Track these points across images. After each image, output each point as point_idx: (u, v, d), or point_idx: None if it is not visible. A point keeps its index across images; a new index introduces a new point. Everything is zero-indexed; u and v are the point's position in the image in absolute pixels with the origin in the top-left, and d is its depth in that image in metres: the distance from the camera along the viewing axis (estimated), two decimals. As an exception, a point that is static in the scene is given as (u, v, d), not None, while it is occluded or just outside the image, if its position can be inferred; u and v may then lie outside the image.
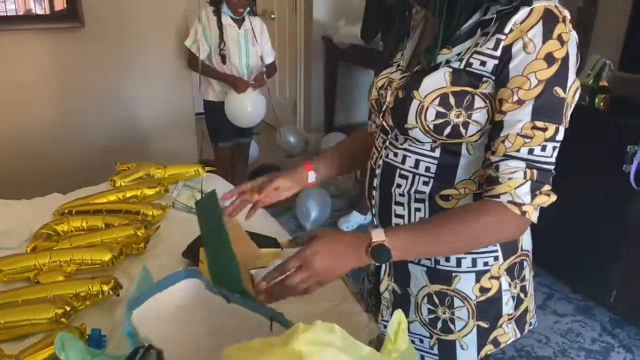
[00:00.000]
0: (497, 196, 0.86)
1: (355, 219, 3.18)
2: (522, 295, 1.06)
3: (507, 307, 1.04)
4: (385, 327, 1.12)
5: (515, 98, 0.83)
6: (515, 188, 0.84)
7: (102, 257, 1.42)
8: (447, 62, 0.90)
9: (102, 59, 2.67)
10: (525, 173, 0.84)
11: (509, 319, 1.05)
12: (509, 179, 0.85)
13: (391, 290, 1.10)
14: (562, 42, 0.82)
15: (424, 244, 0.88)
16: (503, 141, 0.85)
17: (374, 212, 1.08)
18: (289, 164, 3.96)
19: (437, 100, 0.88)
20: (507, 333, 1.05)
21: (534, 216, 0.86)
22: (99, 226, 1.59)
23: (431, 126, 0.90)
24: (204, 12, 2.75)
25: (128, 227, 1.53)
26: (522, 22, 0.83)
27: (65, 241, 1.49)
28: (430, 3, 0.91)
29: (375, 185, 1.05)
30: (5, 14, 2.42)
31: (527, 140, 0.84)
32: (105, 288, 1.28)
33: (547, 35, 0.81)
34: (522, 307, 1.07)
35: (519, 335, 1.08)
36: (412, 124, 0.92)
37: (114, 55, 2.69)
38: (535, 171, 0.84)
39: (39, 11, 2.52)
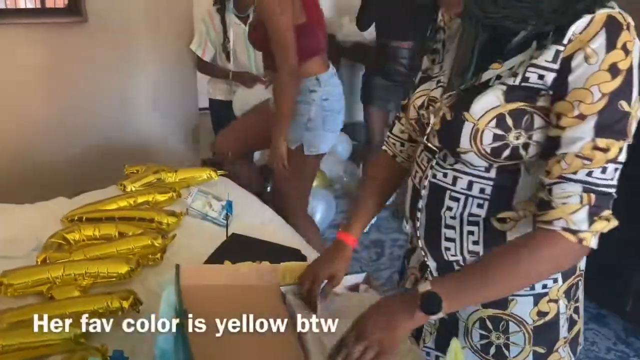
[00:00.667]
0: (551, 222, 0.79)
1: None
2: (575, 316, 1.01)
3: (563, 330, 0.99)
4: (428, 354, 1.06)
5: (577, 112, 0.76)
6: (570, 214, 0.77)
7: (119, 269, 1.34)
8: (498, 77, 0.82)
9: (104, 55, 2.55)
10: (581, 198, 0.77)
11: (564, 343, 0.99)
12: (563, 203, 0.78)
13: None
14: (627, 52, 0.76)
15: (474, 289, 0.83)
16: (559, 161, 0.78)
17: (418, 235, 1.01)
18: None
19: (494, 122, 0.82)
20: (563, 357, 1.00)
21: (592, 242, 0.79)
22: (113, 235, 1.51)
23: (488, 150, 0.84)
24: (207, 12, 2.69)
25: (144, 237, 1.45)
26: (582, 32, 0.76)
27: (78, 252, 1.40)
28: (466, 17, 0.83)
29: (420, 207, 0.97)
30: (5, 7, 2.30)
31: (586, 162, 0.76)
32: (125, 304, 1.21)
33: (611, 45, 0.75)
34: (576, 329, 1.02)
35: (573, 359, 1.02)
36: (466, 148, 0.85)
37: (117, 52, 2.58)
38: (593, 195, 0.77)
39: (38, 4, 2.41)
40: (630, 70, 0.76)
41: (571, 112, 0.77)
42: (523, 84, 0.80)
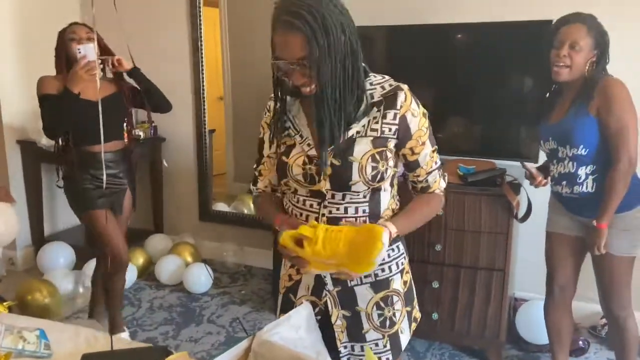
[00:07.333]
0: (433, 192, 1.38)
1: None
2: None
3: (414, 292, 1.47)
4: (345, 347, 1.38)
5: (421, 142, 1.32)
6: (439, 185, 1.39)
7: None
8: (358, 132, 1.26)
9: None
10: (439, 174, 1.38)
11: (416, 301, 1.47)
12: (434, 182, 1.38)
13: (341, 317, 1.37)
14: (418, 105, 1.32)
15: (409, 225, 1.34)
16: (423, 168, 1.35)
17: None
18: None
19: (370, 159, 1.25)
20: (418, 311, 1.48)
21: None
22: None
23: (370, 177, 1.26)
24: None
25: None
26: (405, 101, 1.26)
27: None
28: (325, 110, 1.21)
29: None
30: None
31: (431, 158, 1.35)
32: None
33: (418, 104, 1.31)
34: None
35: (419, 314, 1.50)
36: (356, 180, 1.26)
37: None
38: (441, 170, 1.39)
39: None
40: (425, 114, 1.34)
41: (418, 144, 1.31)
42: (381, 135, 1.27)
